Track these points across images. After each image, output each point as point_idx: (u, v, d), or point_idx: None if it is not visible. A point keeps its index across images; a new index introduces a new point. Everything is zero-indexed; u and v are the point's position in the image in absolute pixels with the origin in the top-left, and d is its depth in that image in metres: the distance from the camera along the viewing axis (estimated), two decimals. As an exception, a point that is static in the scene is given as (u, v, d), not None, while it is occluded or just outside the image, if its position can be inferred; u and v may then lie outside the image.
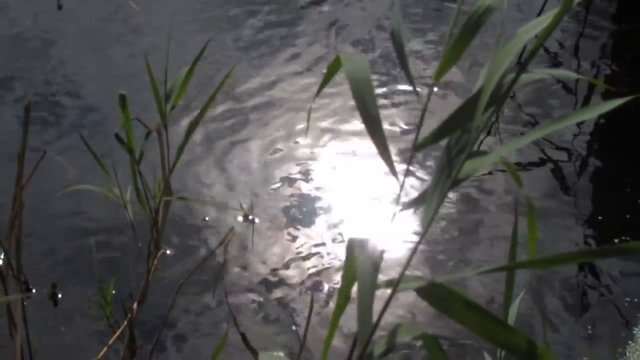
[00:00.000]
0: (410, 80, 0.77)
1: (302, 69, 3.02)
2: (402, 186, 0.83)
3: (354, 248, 0.82)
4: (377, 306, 0.84)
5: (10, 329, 1.54)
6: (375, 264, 0.82)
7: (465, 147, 0.81)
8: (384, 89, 2.93)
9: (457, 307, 0.76)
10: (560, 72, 0.95)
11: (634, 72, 2.99)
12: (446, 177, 0.82)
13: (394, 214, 0.84)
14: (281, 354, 1.14)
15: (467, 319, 0.75)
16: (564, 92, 2.89)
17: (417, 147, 0.82)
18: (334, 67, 0.86)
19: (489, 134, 2.70)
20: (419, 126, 0.83)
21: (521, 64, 0.79)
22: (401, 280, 0.83)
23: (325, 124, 2.76)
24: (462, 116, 0.82)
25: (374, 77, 2.96)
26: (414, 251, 0.84)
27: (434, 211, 0.81)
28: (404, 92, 2.90)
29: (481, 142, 2.66)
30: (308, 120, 2.90)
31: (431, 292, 0.80)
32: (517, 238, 1.00)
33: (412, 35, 3.19)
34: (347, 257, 0.80)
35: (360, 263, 0.82)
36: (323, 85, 0.91)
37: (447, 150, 0.83)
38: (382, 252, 0.81)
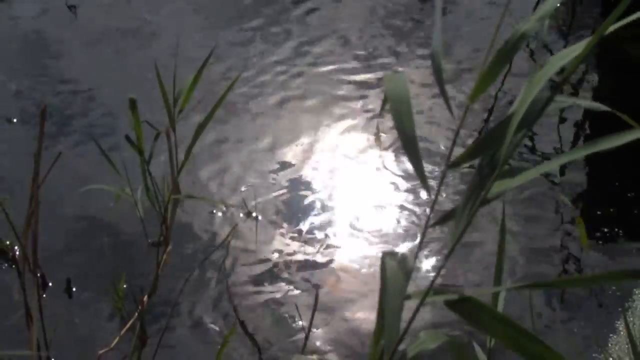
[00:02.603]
0: (447, 105, 0.80)
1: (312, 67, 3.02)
2: (434, 203, 0.86)
3: (386, 260, 0.85)
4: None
5: (27, 321, 1.57)
6: (406, 275, 0.86)
7: (495, 167, 0.85)
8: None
9: (487, 320, 0.80)
10: (586, 103, 0.91)
11: (617, 80, 3.02)
12: (476, 196, 0.86)
13: (425, 230, 0.87)
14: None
15: (498, 332, 0.78)
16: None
17: (451, 164, 0.85)
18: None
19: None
20: (452, 144, 0.86)
21: (552, 90, 0.83)
22: (430, 292, 0.87)
23: (332, 123, 2.78)
24: (495, 137, 0.85)
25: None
26: (441, 267, 0.88)
27: (462, 229, 0.85)
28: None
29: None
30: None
31: (461, 305, 0.84)
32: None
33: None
34: (381, 269, 0.83)
35: (390, 274, 0.85)
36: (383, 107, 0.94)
37: (478, 169, 0.86)
38: (413, 265, 0.84)
